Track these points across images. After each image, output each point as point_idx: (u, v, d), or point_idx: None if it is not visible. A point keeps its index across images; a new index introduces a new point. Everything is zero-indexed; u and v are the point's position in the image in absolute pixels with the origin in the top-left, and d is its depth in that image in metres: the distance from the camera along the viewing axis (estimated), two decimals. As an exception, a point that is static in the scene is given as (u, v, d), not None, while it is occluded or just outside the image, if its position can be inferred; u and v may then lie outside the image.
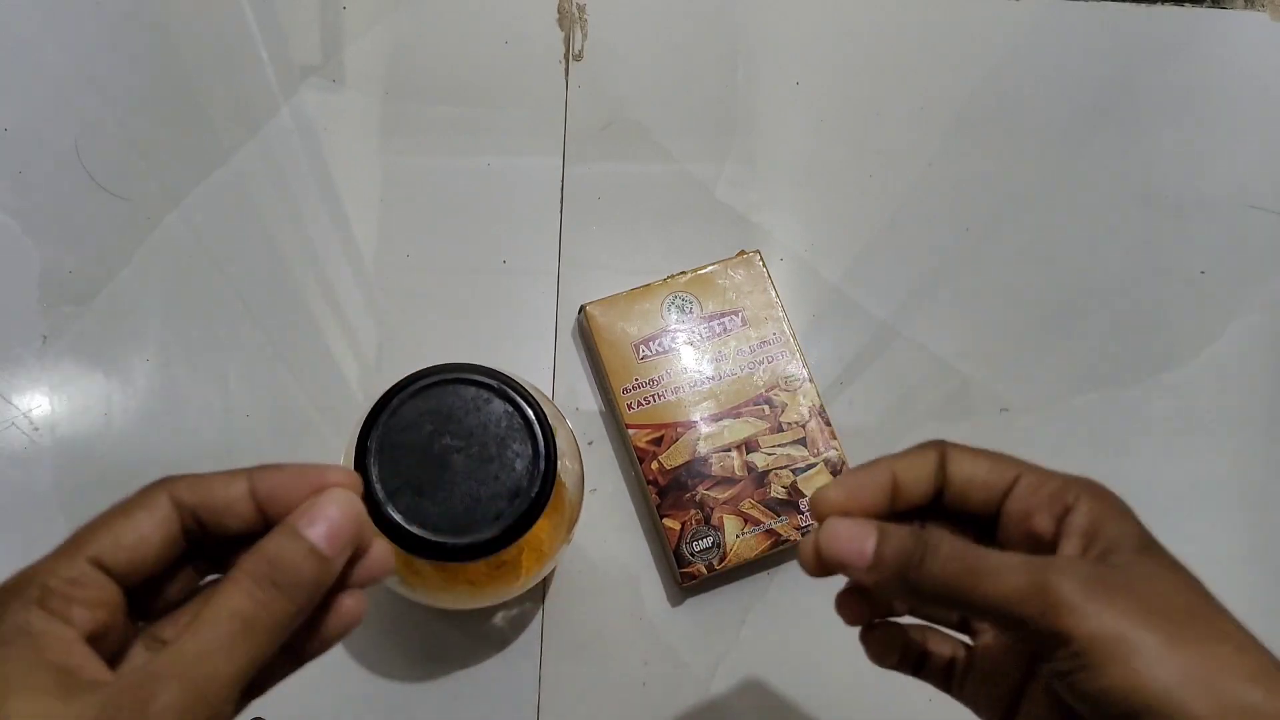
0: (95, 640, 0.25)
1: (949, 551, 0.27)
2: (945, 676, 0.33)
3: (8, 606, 0.24)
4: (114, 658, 0.25)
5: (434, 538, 0.32)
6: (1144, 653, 0.24)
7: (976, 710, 0.32)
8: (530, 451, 0.34)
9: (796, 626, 0.50)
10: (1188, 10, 0.63)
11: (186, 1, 0.56)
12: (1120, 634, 0.24)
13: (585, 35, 0.58)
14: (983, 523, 0.30)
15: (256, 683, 0.26)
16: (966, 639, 0.34)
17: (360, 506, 0.27)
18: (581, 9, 0.59)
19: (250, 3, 0.57)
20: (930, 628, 0.34)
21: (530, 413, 0.34)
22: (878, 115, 0.59)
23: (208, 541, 0.27)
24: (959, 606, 0.26)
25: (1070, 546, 0.27)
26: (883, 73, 0.60)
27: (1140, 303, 0.57)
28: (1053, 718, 0.29)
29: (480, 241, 0.55)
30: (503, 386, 0.34)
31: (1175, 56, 0.62)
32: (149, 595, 0.27)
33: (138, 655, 0.26)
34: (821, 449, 0.50)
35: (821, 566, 0.29)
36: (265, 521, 0.26)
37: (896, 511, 0.30)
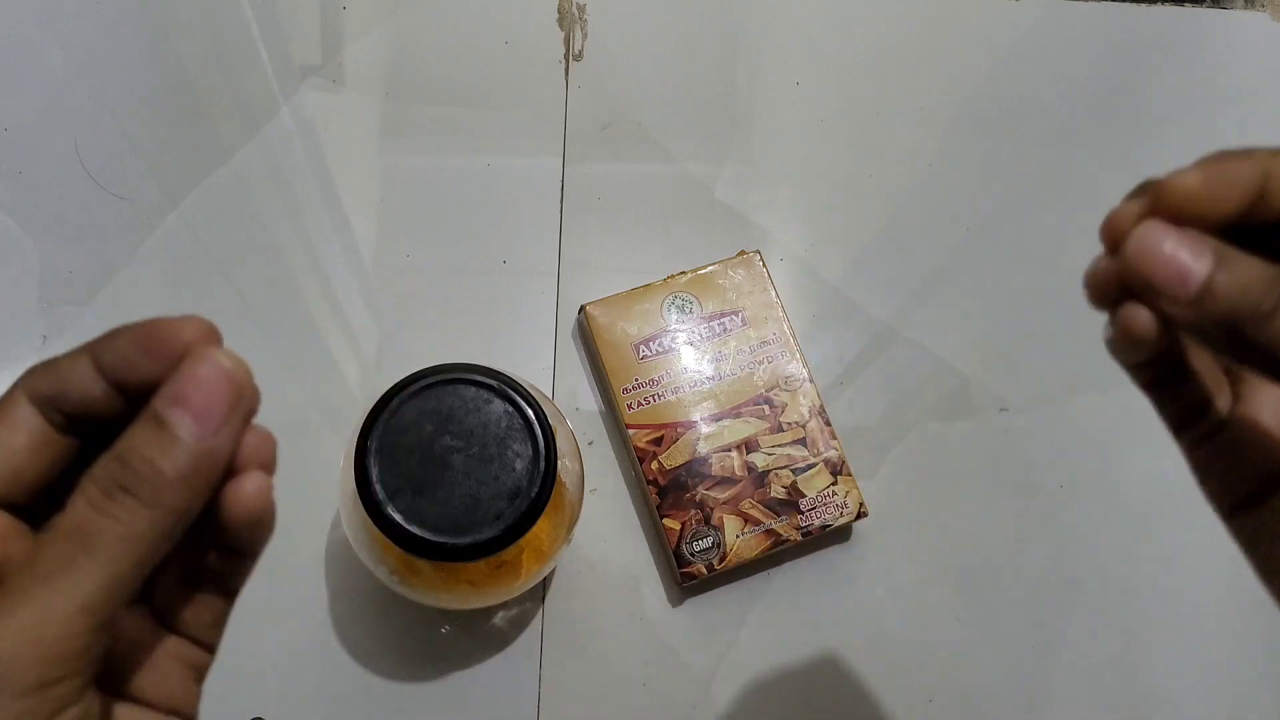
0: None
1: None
2: (1183, 413, 0.26)
3: None
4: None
5: (434, 538, 0.32)
6: None
7: (1204, 478, 0.26)
8: (530, 451, 0.34)
9: (796, 626, 0.50)
10: (1188, 10, 0.63)
11: (186, 1, 0.56)
12: None
13: (585, 35, 0.58)
14: None
15: (188, 624, 0.22)
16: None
17: (238, 365, 0.21)
18: (581, 9, 0.59)
19: (250, 3, 0.57)
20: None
21: (530, 413, 0.34)
22: (878, 115, 0.59)
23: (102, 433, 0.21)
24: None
25: None
26: (883, 73, 0.60)
27: (1140, 303, 0.57)
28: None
29: (480, 241, 0.55)
30: (503, 386, 0.34)
31: (1175, 56, 0.62)
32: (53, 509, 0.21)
33: None
34: (821, 449, 0.50)
35: (1116, 284, 0.20)
36: (129, 405, 0.21)
37: (1244, 229, 0.22)
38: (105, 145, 0.54)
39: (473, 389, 0.34)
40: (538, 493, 0.33)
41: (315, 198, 0.54)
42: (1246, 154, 0.22)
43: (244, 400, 0.21)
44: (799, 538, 0.49)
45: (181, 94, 0.55)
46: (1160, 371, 0.25)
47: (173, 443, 0.20)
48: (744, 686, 0.49)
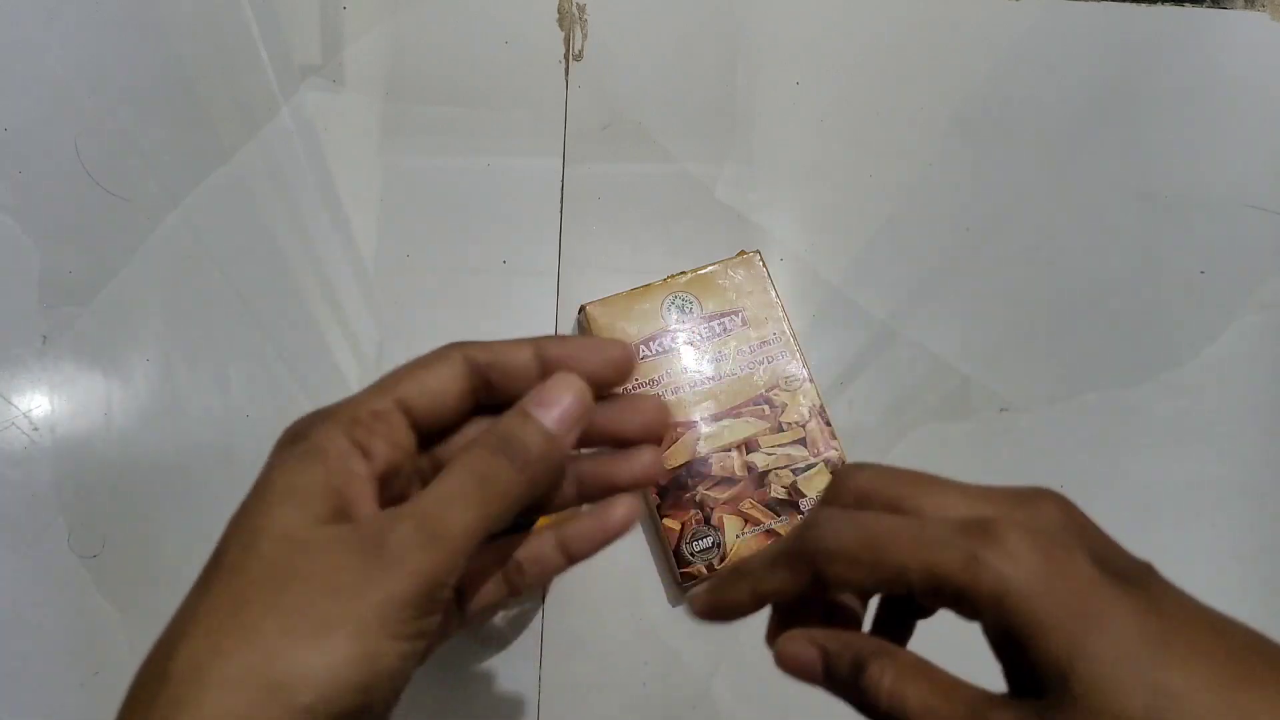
0: (384, 480, 0.27)
1: (887, 686, 0.25)
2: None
3: (318, 426, 0.27)
4: (396, 502, 0.27)
5: None
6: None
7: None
8: None
9: (796, 626, 0.50)
10: (1188, 10, 0.63)
11: (186, 1, 0.56)
12: None
13: (585, 35, 0.58)
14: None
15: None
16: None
17: (588, 393, 0.28)
18: (581, 9, 0.59)
19: (250, 3, 0.57)
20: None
21: None
22: (878, 115, 0.59)
23: (488, 405, 0.29)
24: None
25: (1004, 667, 0.24)
26: (883, 73, 0.60)
27: (1140, 303, 0.57)
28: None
29: (480, 241, 0.55)
30: None
31: (1175, 56, 0.62)
32: (433, 447, 0.29)
33: None
34: (821, 449, 0.50)
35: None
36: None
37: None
38: (105, 145, 0.54)
39: None
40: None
41: (315, 198, 0.54)
42: (735, 579, 0.30)
43: (587, 414, 0.28)
44: (799, 538, 0.49)
45: (181, 94, 0.55)
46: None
47: (536, 430, 0.27)
48: (744, 686, 0.49)
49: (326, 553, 0.24)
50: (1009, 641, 0.23)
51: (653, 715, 0.48)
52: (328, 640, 0.23)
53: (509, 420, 0.27)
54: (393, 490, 0.28)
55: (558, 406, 0.27)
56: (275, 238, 0.53)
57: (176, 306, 0.52)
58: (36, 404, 0.50)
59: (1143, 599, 0.23)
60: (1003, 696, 0.24)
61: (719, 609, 0.30)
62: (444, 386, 0.28)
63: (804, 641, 0.28)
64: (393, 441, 0.27)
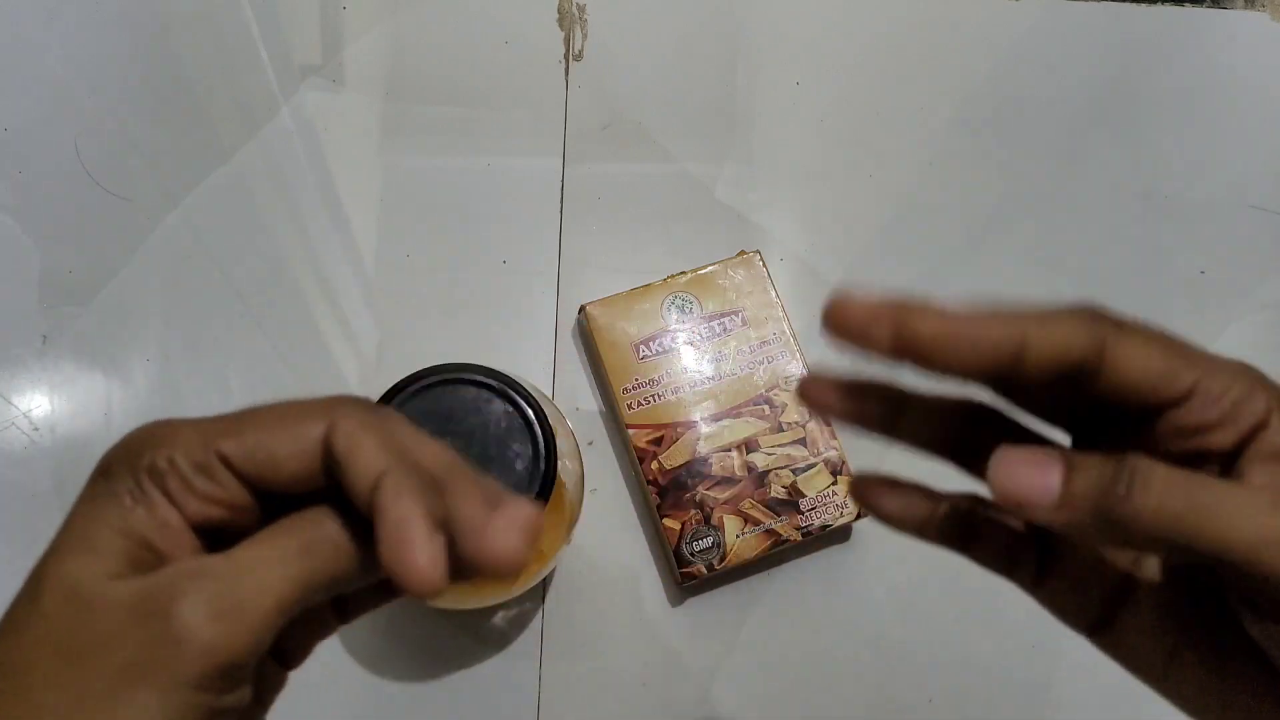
0: (208, 530, 0.22)
1: (1165, 482, 0.21)
2: (1008, 560, 0.27)
3: (121, 464, 0.23)
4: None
5: None
6: None
7: (1058, 613, 0.27)
8: (530, 452, 0.34)
9: (796, 626, 0.50)
10: (1188, 10, 0.63)
11: (186, 1, 0.56)
12: None
13: (585, 35, 0.58)
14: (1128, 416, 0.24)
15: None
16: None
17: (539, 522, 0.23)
18: (581, 9, 0.59)
19: (250, 3, 0.57)
20: (989, 503, 0.26)
21: (530, 413, 0.34)
22: (878, 115, 0.59)
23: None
24: (1181, 550, 0.21)
25: (1260, 475, 0.22)
26: (883, 73, 0.60)
27: (1140, 303, 0.57)
28: (1164, 627, 0.25)
29: (480, 241, 0.55)
30: (503, 387, 0.34)
31: (1175, 56, 0.62)
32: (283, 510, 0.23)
33: None
34: (821, 449, 0.50)
35: (1007, 496, 0.22)
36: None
37: (1014, 383, 0.24)
38: (105, 145, 0.54)
39: (473, 389, 0.34)
40: (538, 493, 0.33)
41: (315, 198, 0.54)
42: (1003, 315, 0.24)
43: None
44: (799, 538, 0.49)
45: (181, 94, 0.55)
46: (959, 531, 0.26)
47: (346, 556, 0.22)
48: (744, 686, 0.49)
49: (110, 618, 0.21)
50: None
51: (653, 715, 0.48)
52: None
53: (468, 506, 0.22)
54: (230, 538, 0.23)
55: (508, 538, 0.21)
56: (275, 238, 0.53)
57: (176, 306, 0.52)
58: (36, 404, 0.50)
59: None
60: None
61: (961, 338, 0.23)
62: (283, 458, 0.22)
63: (1034, 451, 0.23)
64: (212, 500, 0.22)
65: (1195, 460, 0.23)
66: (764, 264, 0.53)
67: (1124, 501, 0.21)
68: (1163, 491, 0.21)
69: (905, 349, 0.24)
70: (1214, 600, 0.24)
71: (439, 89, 0.57)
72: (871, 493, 0.27)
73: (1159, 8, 0.63)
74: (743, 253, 0.53)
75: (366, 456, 0.21)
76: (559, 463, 0.34)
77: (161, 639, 0.20)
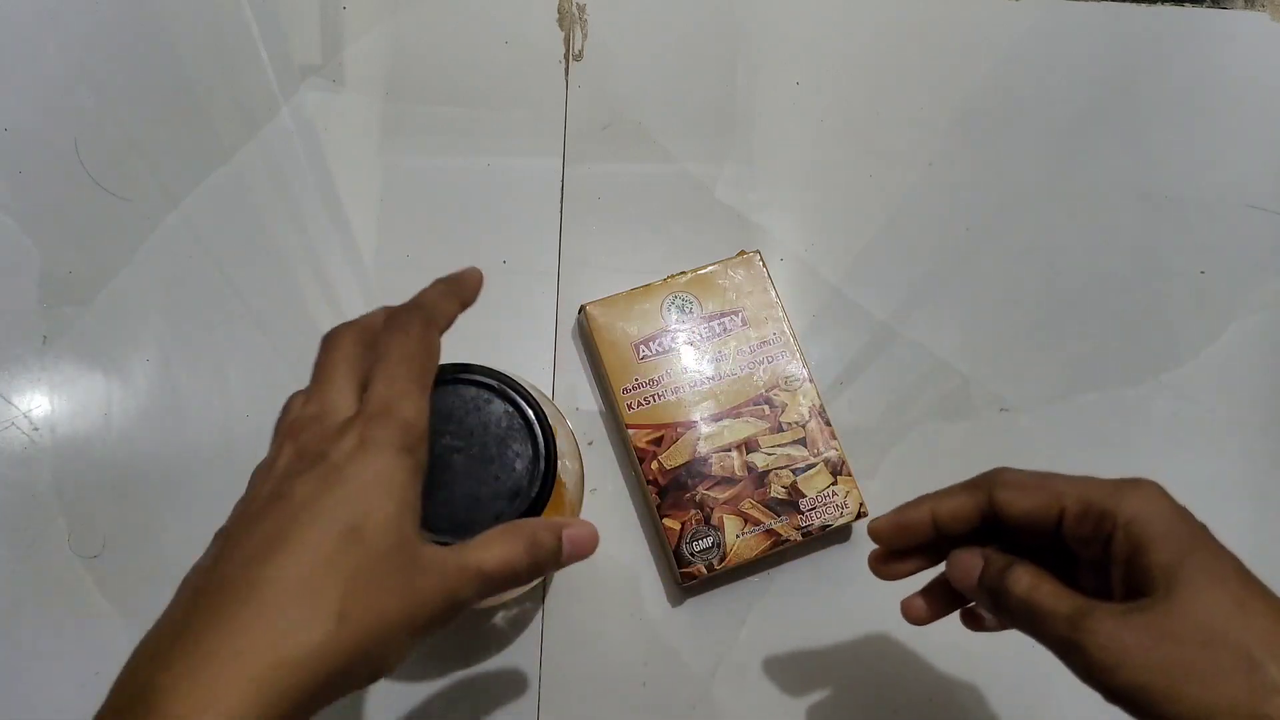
0: None
1: (1027, 580, 0.32)
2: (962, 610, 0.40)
3: (413, 424, 0.29)
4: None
5: (434, 538, 0.32)
6: (1165, 697, 0.28)
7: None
8: (530, 452, 0.34)
9: (796, 626, 0.50)
10: (1188, 10, 0.63)
11: (186, 1, 0.56)
12: (1142, 684, 0.29)
13: (585, 35, 0.58)
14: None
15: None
16: None
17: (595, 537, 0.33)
18: (581, 9, 0.59)
19: (250, 3, 0.57)
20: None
21: (530, 413, 0.34)
22: (878, 115, 0.59)
23: None
24: (1027, 632, 0.32)
25: (1117, 578, 0.31)
26: (883, 73, 0.60)
27: (1140, 303, 0.57)
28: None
29: (480, 241, 0.55)
30: (503, 386, 0.34)
31: (1175, 56, 0.62)
32: None
33: None
34: (821, 449, 0.50)
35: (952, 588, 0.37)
36: None
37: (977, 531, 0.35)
38: (105, 145, 0.54)
39: (473, 389, 0.34)
40: (538, 493, 0.33)
41: (315, 198, 0.54)
42: (917, 501, 0.36)
43: (591, 552, 0.33)
44: (799, 538, 0.49)
45: (181, 94, 0.55)
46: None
47: (555, 554, 0.32)
48: (744, 686, 0.49)
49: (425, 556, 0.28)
50: (1133, 549, 0.31)
51: (653, 715, 0.48)
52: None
53: (542, 532, 0.31)
54: None
55: (581, 545, 0.32)
56: (275, 238, 0.53)
57: (176, 306, 0.52)
58: (36, 404, 0.50)
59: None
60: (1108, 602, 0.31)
61: (898, 526, 0.36)
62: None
63: (973, 552, 0.35)
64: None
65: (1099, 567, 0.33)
66: (764, 264, 0.53)
67: (1003, 588, 0.33)
68: (1018, 593, 0.32)
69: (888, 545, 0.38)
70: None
71: (439, 89, 0.57)
72: (881, 571, 0.39)
73: (1159, 8, 0.63)
74: (743, 253, 0.53)
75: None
76: (559, 462, 0.34)
77: (441, 586, 0.29)
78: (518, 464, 0.33)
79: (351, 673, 0.26)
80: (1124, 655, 0.29)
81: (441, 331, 0.33)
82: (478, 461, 0.33)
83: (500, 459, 0.33)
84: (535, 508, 0.33)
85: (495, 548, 0.30)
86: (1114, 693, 0.29)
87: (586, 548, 0.33)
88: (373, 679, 0.27)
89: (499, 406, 0.34)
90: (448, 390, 0.34)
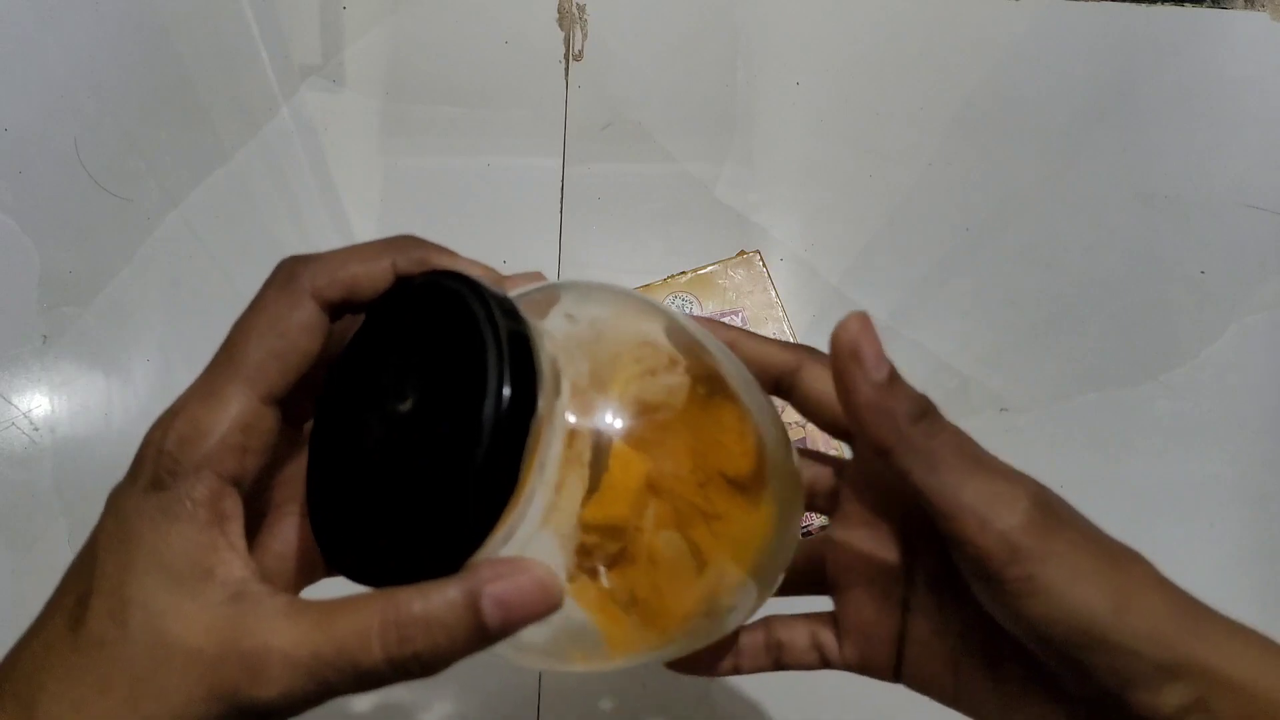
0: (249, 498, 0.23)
1: (949, 438, 0.27)
2: (814, 642, 0.32)
3: (184, 474, 0.23)
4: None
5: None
6: (1084, 581, 0.24)
7: (862, 669, 0.32)
8: (465, 407, 0.20)
9: (796, 626, 0.50)
10: (1188, 10, 0.63)
11: (186, 1, 0.56)
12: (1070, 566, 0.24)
13: (585, 35, 0.58)
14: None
15: None
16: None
17: (554, 582, 0.21)
18: (581, 9, 0.59)
19: (250, 3, 0.57)
20: (778, 619, 0.32)
21: (480, 311, 0.21)
22: (878, 115, 0.59)
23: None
24: (924, 499, 0.26)
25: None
26: (883, 73, 0.60)
27: (1140, 303, 0.57)
28: (942, 646, 0.28)
29: (480, 241, 0.55)
30: (458, 287, 0.22)
31: (1175, 56, 0.62)
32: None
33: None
34: (821, 449, 0.50)
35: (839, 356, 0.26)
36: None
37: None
38: (105, 145, 0.54)
39: (428, 307, 0.23)
40: (474, 496, 0.20)
41: (315, 197, 0.54)
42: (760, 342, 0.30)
43: (549, 610, 0.21)
44: (799, 537, 0.49)
45: (181, 94, 0.55)
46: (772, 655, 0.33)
47: (476, 629, 0.20)
48: (744, 686, 0.49)
49: (196, 641, 0.21)
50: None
51: (653, 715, 0.48)
52: None
53: (442, 607, 0.20)
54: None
55: (519, 609, 0.21)
56: (275, 238, 0.53)
57: (176, 306, 0.52)
58: (36, 404, 0.50)
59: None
60: None
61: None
62: (303, 346, 0.23)
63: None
64: (265, 449, 0.23)
65: None
66: (764, 264, 0.53)
67: (923, 433, 0.27)
68: (943, 442, 0.27)
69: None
70: (978, 616, 0.26)
71: (439, 89, 0.57)
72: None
73: (1159, 8, 0.63)
74: (743, 253, 0.53)
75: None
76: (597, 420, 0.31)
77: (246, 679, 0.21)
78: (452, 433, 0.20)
79: None
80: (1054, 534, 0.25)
81: (327, 304, 0.24)
82: (424, 444, 0.21)
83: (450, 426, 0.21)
84: (475, 525, 0.20)
85: (304, 624, 0.21)
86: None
87: (531, 604, 0.20)
88: None
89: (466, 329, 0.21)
90: (386, 321, 0.24)
